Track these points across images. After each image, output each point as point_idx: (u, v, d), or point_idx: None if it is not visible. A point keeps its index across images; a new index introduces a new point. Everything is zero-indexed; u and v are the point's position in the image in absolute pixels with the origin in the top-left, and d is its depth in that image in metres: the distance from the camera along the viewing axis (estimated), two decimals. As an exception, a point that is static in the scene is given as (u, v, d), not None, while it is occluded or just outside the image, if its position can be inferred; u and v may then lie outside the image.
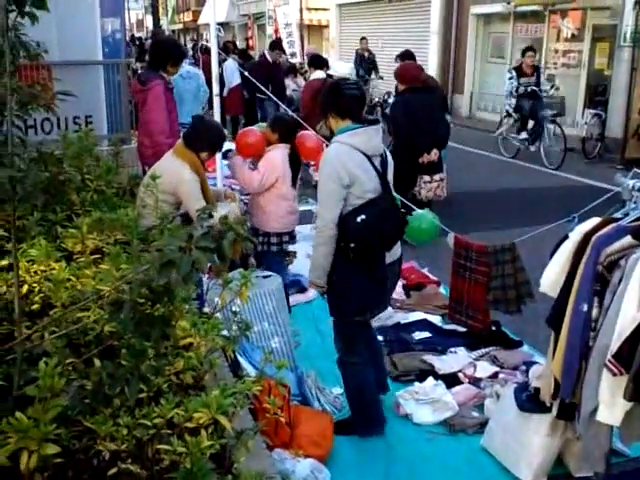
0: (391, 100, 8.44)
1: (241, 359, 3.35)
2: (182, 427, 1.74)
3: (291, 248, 5.02)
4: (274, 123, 4.61)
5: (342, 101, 3.25)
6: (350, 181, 3.11)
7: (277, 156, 4.44)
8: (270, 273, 4.21)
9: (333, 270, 3.26)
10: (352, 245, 3.12)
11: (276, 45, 12.54)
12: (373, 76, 14.85)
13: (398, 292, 5.28)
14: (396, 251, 3.48)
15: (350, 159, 3.14)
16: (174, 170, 3.85)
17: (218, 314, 2.38)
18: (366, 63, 15.00)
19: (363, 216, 3.09)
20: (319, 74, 9.12)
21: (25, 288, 2.19)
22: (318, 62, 9.61)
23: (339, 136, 3.22)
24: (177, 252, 1.14)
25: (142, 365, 1.62)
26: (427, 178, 6.52)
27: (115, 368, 1.61)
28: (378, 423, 3.60)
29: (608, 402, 2.44)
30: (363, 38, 15.42)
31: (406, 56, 9.38)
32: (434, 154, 6.46)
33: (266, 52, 12.22)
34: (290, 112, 8.34)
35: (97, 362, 1.72)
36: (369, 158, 3.18)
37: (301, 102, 9.17)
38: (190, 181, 3.87)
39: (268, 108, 11.45)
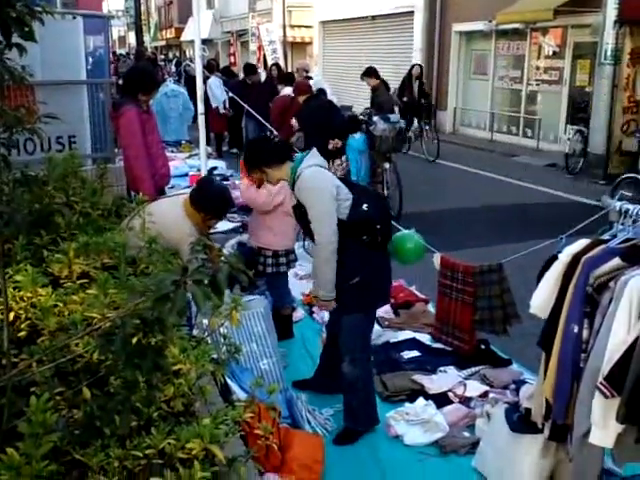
0: (375, 118, 8.49)
1: (230, 382, 3.32)
2: (174, 457, 1.71)
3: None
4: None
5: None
6: (337, 192, 3.44)
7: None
8: (254, 296, 4.19)
9: (356, 267, 3.47)
10: (378, 227, 3.44)
11: (250, 70, 12.52)
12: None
13: (386, 311, 5.27)
14: None
15: (327, 173, 3.56)
16: (181, 227, 3.66)
17: (207, 337, 2.36)
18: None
19: (365, 205, 3.43)
20: (287, 90, 9.66)
21: (12, 315, 2.15)
22: (287, 79, 10.59)
23: (305, 162, 3.52)
24: (172, 286, 1.12)
25: (134, 396, 1.60)
26: (338, 161, 8.06)
27: (106, 400, 1.58)
28: (376, 419, 3.77)
29: (600, 424, 2.43)
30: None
31: (371, 72, 9.94)
32: (337, 142, 8.00)
33: (246, 78, 12.33)
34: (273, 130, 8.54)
35: (87, 392, 1.69)
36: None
37: (270, 117, 9.51)
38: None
39: (249, 126, 11.55)
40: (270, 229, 4.55)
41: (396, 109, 11.61)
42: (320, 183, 3.44)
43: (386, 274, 3.69)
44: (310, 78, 10.76)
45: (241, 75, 13.93)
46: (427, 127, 13.40)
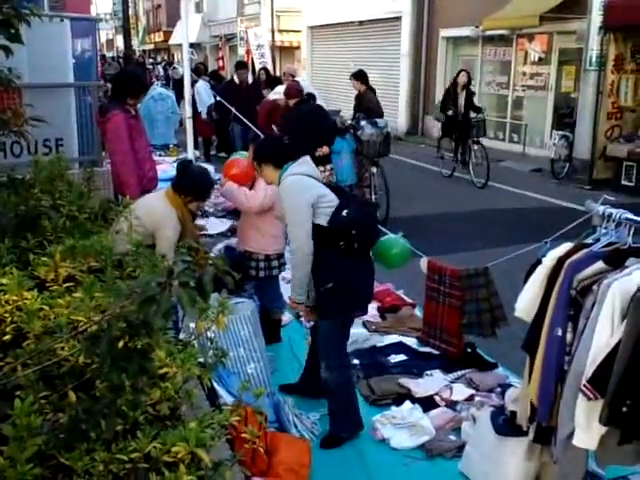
0: (363, 123, 8.48)
1: (217, 386, 3.31)
2: (160, 461, 1.71)
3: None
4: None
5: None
6: (315, 200, 3.46)
7: None
8: (242, 299, 4.18)
9: (331, 272, 3.51)
10: (354, 232, 3.41)
11: (240, 65, 12.55)
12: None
13: (373, 315, 5.28)
14: None
15: (307, 182, 3.55)
16: (162, 214, 3.82)
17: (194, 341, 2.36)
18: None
19: (345, 211, 3.43)
20: (275, 93, 9.77)
21: (-4, 319, 2.14)
22: (274, 83, 10.77)
23: (290, 170, 3.58)
24: (157, 288, 1.13)
25: (119, 400, 1.60)
26: (321, 168, 7.59)
27: (91, 403, 1.58)
28: (360, 424, 3.77)
29: (584, 426, 2.45)
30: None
31: (360, 75, 9.84)
32: (325, 149, 7.88)
33: (234, 75, 12.30)
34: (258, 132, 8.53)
35: (72, 395, 1.69)
36: (317, 181, 3.63)
37: (257, 120, 9.57)
38: (173, 230, 3.82)
39: (235, 129, 11.55)
40: (259, 231, 4.54)
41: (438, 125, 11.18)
42: (296, 190, 3.51)
43: (364, 282, 3.68)
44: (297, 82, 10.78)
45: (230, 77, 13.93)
46: (476, 147, 11.03)
